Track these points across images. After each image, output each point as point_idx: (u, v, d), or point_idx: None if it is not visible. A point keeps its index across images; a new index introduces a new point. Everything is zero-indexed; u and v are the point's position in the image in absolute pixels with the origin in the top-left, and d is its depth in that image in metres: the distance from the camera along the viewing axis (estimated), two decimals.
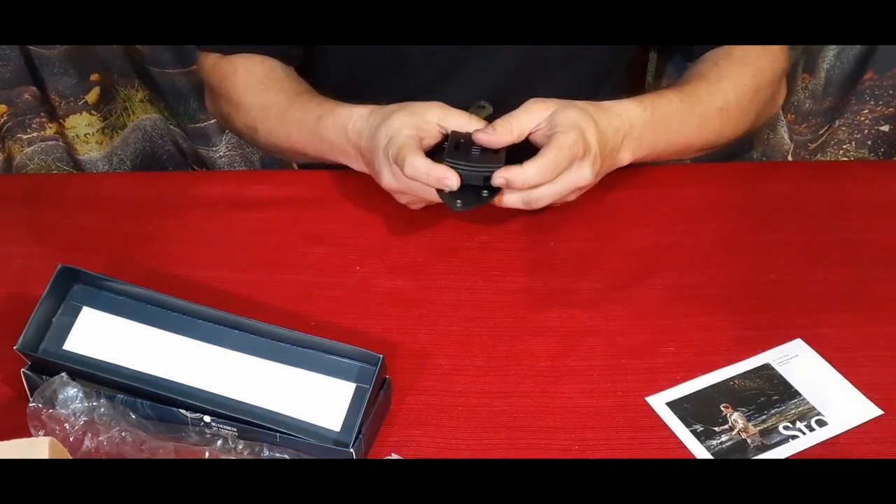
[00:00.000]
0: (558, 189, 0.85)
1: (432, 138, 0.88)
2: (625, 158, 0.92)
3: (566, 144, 0.83)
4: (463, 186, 0.84)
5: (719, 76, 0.98)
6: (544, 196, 0.85)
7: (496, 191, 0.85)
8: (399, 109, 0.89)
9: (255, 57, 1.03)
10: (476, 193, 0.85)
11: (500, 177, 0.83)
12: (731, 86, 0.97)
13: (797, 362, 0.80)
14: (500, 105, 1.06)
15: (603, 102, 0.90)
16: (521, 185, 0.84)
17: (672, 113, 0.93)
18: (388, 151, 0.86)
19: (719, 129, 0.97)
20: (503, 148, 0.86)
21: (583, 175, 0.86)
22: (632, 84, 1.23)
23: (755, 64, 0.99)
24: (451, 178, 0.82)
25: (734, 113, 0.98)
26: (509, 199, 0.86)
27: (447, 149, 0.86)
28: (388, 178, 0.88)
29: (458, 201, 0.85)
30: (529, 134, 0.87)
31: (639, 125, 0.91)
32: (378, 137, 0.88)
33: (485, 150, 0.86)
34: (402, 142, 0.85)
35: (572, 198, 0.89)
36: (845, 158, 1.34)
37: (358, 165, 0.94)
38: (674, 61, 1.26)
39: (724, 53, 1.00)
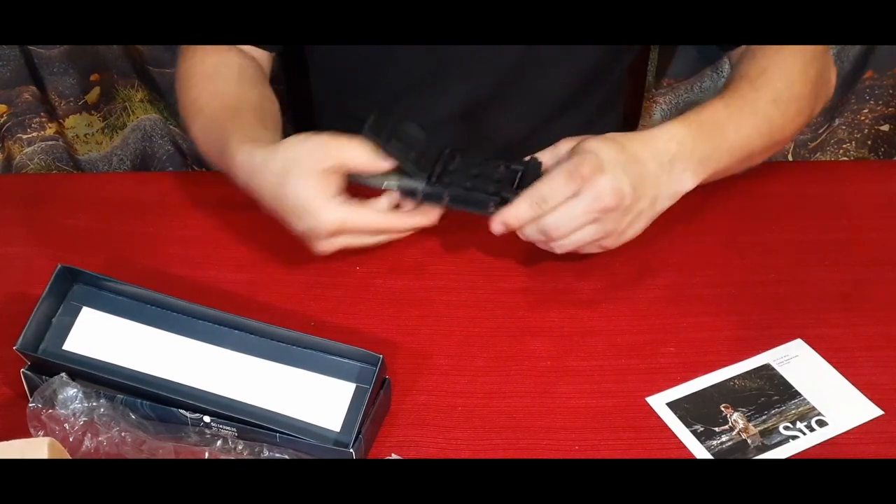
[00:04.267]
0: (575, 213, 0.79)
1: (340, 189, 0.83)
2: (687, 181, 0.84)
3: (564, 168, 0.79)
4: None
5: (760, 69, 0.92)
6: (560, 224, 0.80)
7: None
8: (307, 175, 0.82)
9: (215, 49, 1.01)
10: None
11: (497, 223, 0.81)
12: (777, 74, 0.92)
13: (797, 362, 0.80)
14: (496, 101, 1.06)
15: (642, 131, 0.86)
16: (516, 222, 0.80)
17: (721, 120, 0.88)
18: (329, 222, 0.82)
19: (781, 122, 0.91)
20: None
21: (600, 189, 0.78)
22: (632, 82, 1.23)
23: (792, 46, 0.94)
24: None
25: (790, 99, 0.92)
26: (528, 232, 0.82)
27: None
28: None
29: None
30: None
31: (688, 143, 0.84)
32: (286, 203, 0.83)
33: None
34: (343, 213, 0.82)
35: (608, 242, 0.83)
36: (845, 158, 1.34)
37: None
38: (696, 51, 1.25)
39: (758, 45, 0.96)
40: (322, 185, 0.81)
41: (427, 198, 0.83)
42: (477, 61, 1.03)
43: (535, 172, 0.84)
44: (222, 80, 0.98)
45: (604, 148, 0.81)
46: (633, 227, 0.83)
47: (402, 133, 0.83)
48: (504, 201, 0.82)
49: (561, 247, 0.82)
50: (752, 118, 0.90)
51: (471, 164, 0.85)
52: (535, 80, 1.05)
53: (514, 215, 0.81)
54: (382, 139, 0.81)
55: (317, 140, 0.83)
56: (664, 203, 0.84)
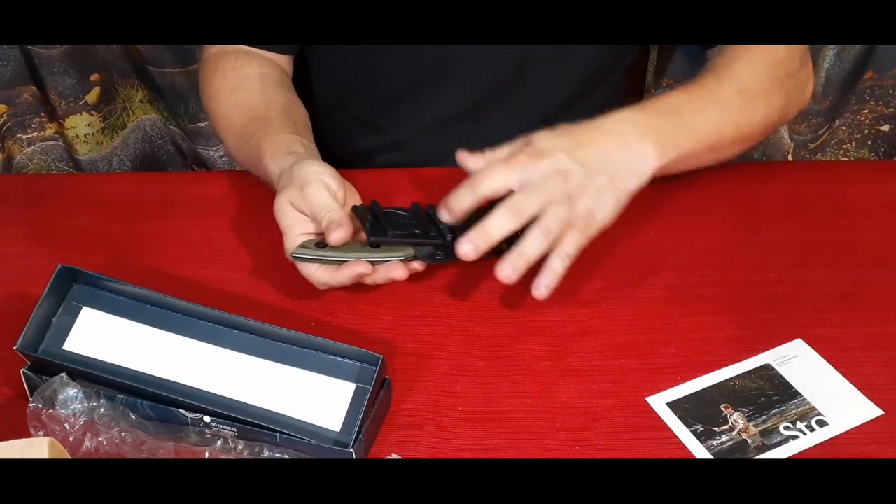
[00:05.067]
0: (515, 200, 0.79)
1: (319, 230, 0.83)
2: (650, 157, 0.84)
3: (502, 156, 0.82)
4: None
5: (728, 61, 0.93)
6: (529, 195, 0.79)
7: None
8: (283, 205, 0.83)
9: (237, 60, 1.02)
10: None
11: (445, 211, 0.82)
12: (744, 67, 0.92)
13: (797, 362, 0.80)
14: (496, 102, 1.06)
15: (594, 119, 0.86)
16: (456, 204, 0.81)
17: (679, 104, 0.88)
18: (287, 253, 0.83)
19: (747, 113, 0.91)
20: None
21: (540, 166, 0.79)
22: (631, 83, 1.23)
23: (766, 45, 0.94)
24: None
25: (756, 94, 0.92)
26: (502, 221, 0.80)
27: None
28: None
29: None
30: None
31: (642, 121, 0.84)
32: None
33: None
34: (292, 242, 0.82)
35: (580, 224, 0.81)
36: (845, 158, 1.34)
37: None
38: (682, 53, 1.26)
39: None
40: (294, 216, 0.83)
41: (447, 258, 0.83)
42: (477, 63, 1.03)
43: None
44: (247, 93, 1.00)
45: (545, 136, 0.82)
46: (600, 204, 0.82)
47: (393, 219, 0.84)
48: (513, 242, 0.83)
49: (550, 243, 0.81)
50: (716, 105, 0.90)
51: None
52: (536, 81, 1.05)
53: (455, 196, 0.81)
54: (388, 238, 0.82)
55: (306, 177, 0.83)
56: (630, 181, 0.83)
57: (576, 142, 0.82)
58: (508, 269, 0.80)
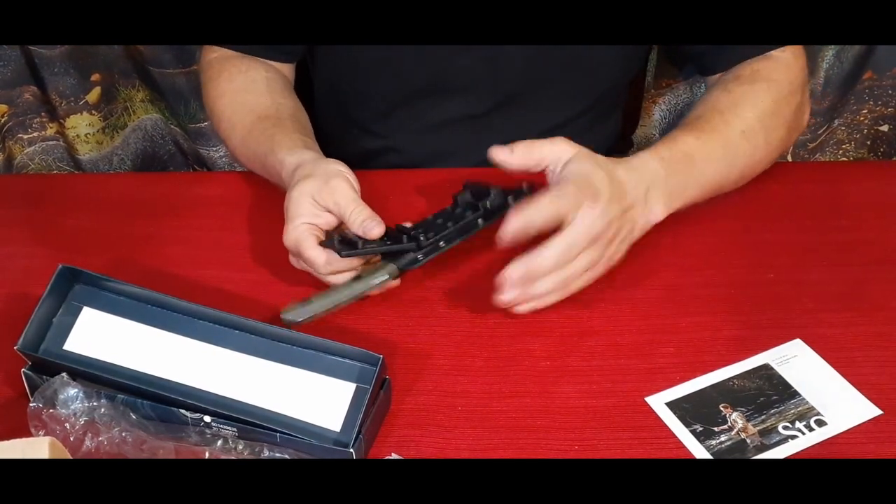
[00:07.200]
0: (570, 242, 0.80)
1: (327, 225, 0.85)
2: (658, 211, 0.87)
3: (564, 192, 0.80)
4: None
5: (733, 102, 0.94)
6: (566, 254, 0.81)
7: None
8: (302, 195, 0.84)
9: (242, 63, 1.03)
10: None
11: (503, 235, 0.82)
12: (748, 106, 0.94)
13: (796, 362, 0.80)
14: (495, 115, 1.06)
15: (620, 159, 0.87)
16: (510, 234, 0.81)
17: (691, 152, 0.89)
18: (287, 238, 0.84)
19: (750, 153, 0.93)
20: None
21: (593, 220, 0.80)
22: (631, 83, 1.23)
23: (767, 78, 0.95)
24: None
25: (760, 131, 0.93)
26: (547, 285, 0.82)
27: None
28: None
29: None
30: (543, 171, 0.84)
31: (661, 174, 0.87)
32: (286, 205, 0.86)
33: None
34: (298, 235, 0.83)
35: (594, 272, 0.84)
36: (844, 158, 1.34)
37: None
38: (685, 71, 1.26)
39: (733, 77, 0.97)
40: (308, 206, 0.83)
41: (427, 255, 0.84)
42: (477, 78, 1.02)
43: (482, 188, 0.87)
44: (254, 94, 1.01)
45: (595, 175, 0.82)
46: (618, 252, 0.85)
47: (361, 238, 0.83)
48: (487, 213, 0.84)
49: (567, 284, 0.83)
50: (722, 151, 0.92)
51: (426, 221, 0.87)
52: (537, 99, 1.05)
53: (506, 228, 0.81)
54: (360, 250, 0.82)
55: (331, 172, 0.85)
56: (638, 233, 0.87)
57: (619, 185, 0.83)
58: (511, 276, 0.81)
